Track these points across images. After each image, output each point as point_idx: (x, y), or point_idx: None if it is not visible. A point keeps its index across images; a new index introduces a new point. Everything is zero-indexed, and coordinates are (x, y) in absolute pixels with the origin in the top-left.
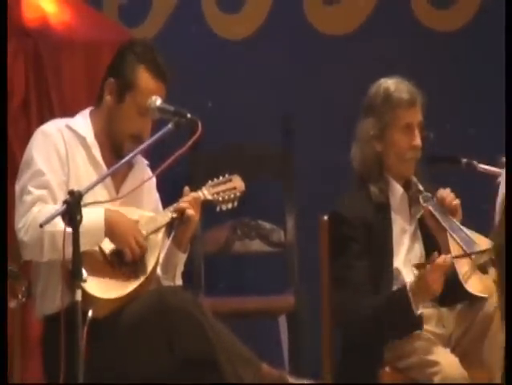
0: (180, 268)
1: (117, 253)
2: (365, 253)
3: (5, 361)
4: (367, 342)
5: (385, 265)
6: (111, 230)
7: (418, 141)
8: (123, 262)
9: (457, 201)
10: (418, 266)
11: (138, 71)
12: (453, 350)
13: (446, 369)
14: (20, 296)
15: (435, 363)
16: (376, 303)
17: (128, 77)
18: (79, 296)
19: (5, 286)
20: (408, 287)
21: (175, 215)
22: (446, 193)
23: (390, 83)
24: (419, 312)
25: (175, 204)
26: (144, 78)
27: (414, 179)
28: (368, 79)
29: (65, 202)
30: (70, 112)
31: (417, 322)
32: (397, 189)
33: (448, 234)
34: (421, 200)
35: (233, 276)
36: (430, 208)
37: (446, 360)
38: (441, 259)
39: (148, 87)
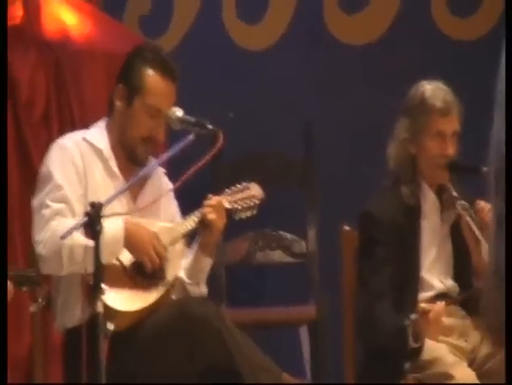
0: (206, 273)
1: (137, 265)
2: (392, 257)
3: (4, 361)
4: (383, 352)
5: (411, 271)
6: (130, 241)
7: (450, 150)
8: (142, 274)
9: None
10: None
11: (145, 73)
12: (472, 365)
13: (461, 383)
14: (40, 299)
15: (450, 377)
16: (392, 322)
17: (136, 80)
18: (100, 308)
19: (4, 285)
20: (407, 322)
21: (196, 221)
22: (484, 205)
23: (428, 88)
24: (416, 345)
25: (196, 212)
26: (152, 78)
27: (448, 184)
28: (390, 88)
29: (86, 214)
30: (91, 124)
31: (410, 354)
32: (429, 194)
33: (482, 245)
34: (459, 208)
35: (255, 287)
36: (467, 217)
37: (462, 374)
38: (438, 306)
39: (156, 87)
